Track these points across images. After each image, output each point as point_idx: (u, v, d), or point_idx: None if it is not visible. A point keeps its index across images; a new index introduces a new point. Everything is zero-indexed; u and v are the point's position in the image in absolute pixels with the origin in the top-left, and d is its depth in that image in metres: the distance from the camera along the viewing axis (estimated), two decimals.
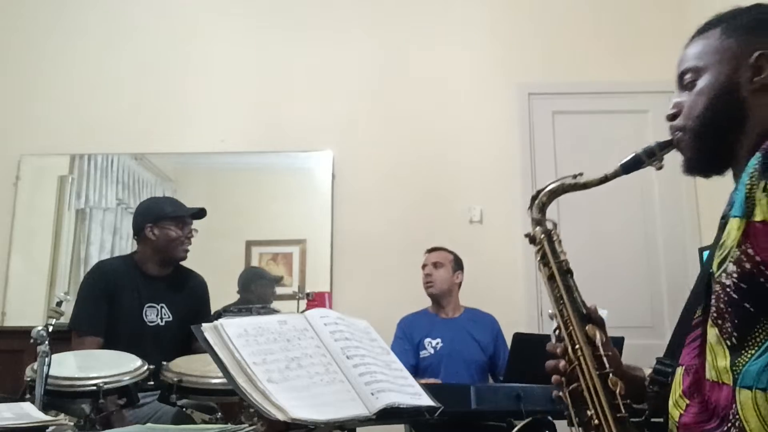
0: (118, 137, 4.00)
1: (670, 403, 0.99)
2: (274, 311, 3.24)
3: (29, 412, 1.50)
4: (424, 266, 3.20)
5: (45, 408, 1.61)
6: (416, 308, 3.20)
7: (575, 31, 4.05)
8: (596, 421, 0.99)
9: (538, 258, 1.17)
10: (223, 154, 4.01)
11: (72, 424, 1.77)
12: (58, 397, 1.79)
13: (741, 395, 0.84)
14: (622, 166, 1.11)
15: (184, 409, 2.03)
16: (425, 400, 1.36)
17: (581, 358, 1.04)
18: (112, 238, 3.94)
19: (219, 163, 4.05)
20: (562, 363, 1.06)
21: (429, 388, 1.42)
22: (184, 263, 2.66)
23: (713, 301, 0.91)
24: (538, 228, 1.18)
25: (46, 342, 1.67)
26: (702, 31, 1.07)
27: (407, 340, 3.07)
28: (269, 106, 4.03)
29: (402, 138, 3.95)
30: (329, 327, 1.40)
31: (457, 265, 3.21)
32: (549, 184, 1.21)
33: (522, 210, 3.81)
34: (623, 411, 0.98)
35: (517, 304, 3.70)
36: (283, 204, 3.95)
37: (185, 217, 2.59)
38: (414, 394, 1.36)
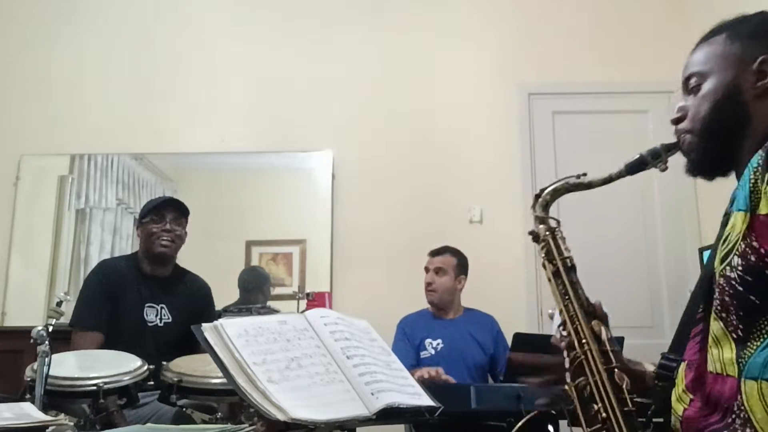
0: (118, 137, 4.00)
1: (674, 397, 1.00)
2: (274, 311, 3.25)
3: (29, 412, 1.50)
4: (426, 270, 3.15)
5: (45, 408, 1.61)
6: (416, 308, 3.19)
7: (575, 32, 4.05)
8: (604, 415, 1.00)
9: (542, 255, 1.18)
10: (223, 154, 4.01)
11: (72, 424, 1.76)
12: (58, 397, 1.78)
13: (746, 386, 0.85)
14: (627, 166, 1.14)
15: (184, 409, 2.02)
16: (425, 400, 1.36)
17: (588, 353, 1.04)
18: (112, 238, 3.94)
19: (219, 163, 4.05)
20: (564, 359, 1.07)
21: (429, 388, 1.42)
22: (186, 265, 2.66)
23: (717, 294, 0.93)
24: (541, 226, 1.19)
25: (46, 342, 1.67)
26: (707, 37, 1.10)
27: (408, 341, 3.05)
28: (269, 106, 4.03)
29: (402, 138, 3.96)
30: (329, 327, 1.40)
31: (461, 269, 3.15)
32: (553, 183, 1.22)
33: (522, 210, 3.81)
34: (630, 405, 0.99)
35: (517, 304, 3.70)
36: (283, 204, 3.95)
37: (158, 208, 2.56)
38: (414, 394, 1.36)
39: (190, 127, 4.02)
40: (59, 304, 1.88)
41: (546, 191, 1.22)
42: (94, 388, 1.79)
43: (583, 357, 1.05)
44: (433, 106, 4.00)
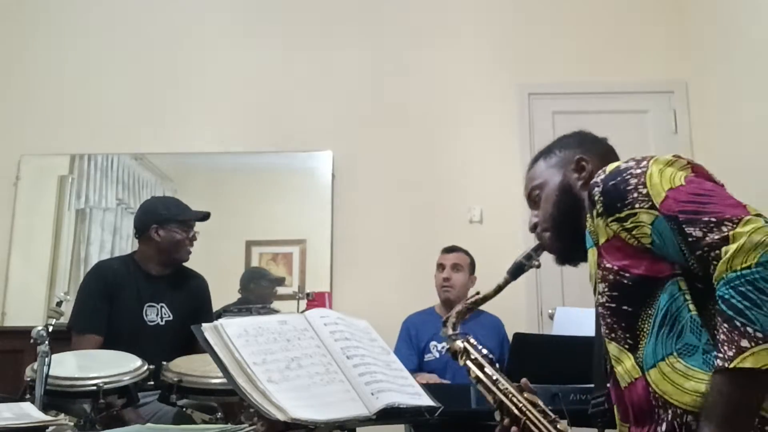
0: (118, 137, 4.00)
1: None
2: (274, 311, 3.25)
3: (29, 412, 1.50)
4: (441, 267, 3.10)
5: (45, 408, 1.61)
6: (416, 308, 3.18)
7: (575, 32, 4.05)
8: None
9: (464, 361, 1.33)
10: (223, 154, 4.01)
11: (72, 424, 1.77)
12: (58, 397, 1.79)
13: (651, 376, 1.03)
14: (509, 272, 1.36)
15: (184, 409, 2.02)
16: (425, 400, 1.36)
17: (528, 413, 1.18)
18: (112, 238, 3.94)
19: (219, 163, 4.05)
20: (514, 429, 1.19)
21: (429, 388, 1.42)
22: (187, 267, 2.66)
23: (601, 322, 1.12)
24: (457, 342, 1.36)
25: (46, 342, 1.67)
26: (534, 160, 1.38)
27: (412, 343, 3.01)
28: (269, 106, 4.03)
29: (402, 138, 3.95)
30: (329, 327, 1.40)
31: (473, 268, 3.15)
32: (455, 309, 1.41)
33: (522, 210, 3.80)
34: None
35: (517, 304, 3.69)
36: (283, 204, 3.95)
37: (192, 220, 2.59)
38: (414, 394, 1.36)
39: (190, 127, 4.02)
40: (59, 304, 1.88)
41: (450, 316, 1.40)
42: (94, 388, 1.79)
43: (525, 419, 1.18)
44: (432, 106, 4.00)
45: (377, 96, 4.02)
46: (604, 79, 3.95)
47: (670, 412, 0.99)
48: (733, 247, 0.92)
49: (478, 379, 1.27)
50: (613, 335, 1.09)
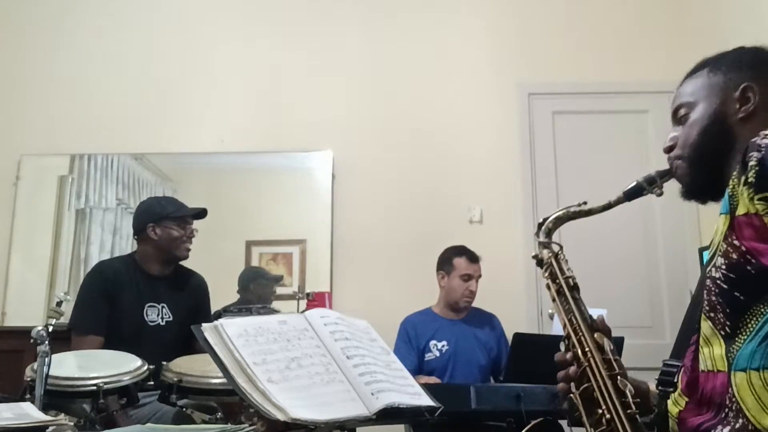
0: (118, 137, 4.00)
1: (670, 401, 1.04)
2: (274, 311, 3.24)
3: (29, 412, 1.50)
4: (466, 277, 3.06)
5: (45, 408, 1.61)
6: (416, 308, 3.19)
7: (575, 31, 4.05)
8: (608, 416, 1.02)
9: (546, 276, 1.24)
10: (223, 154, 4.01)
11: (72, 424, 1.76)
12: (58, 397, 1.79)
13: (736, 378, 0.90)
14: (625, 193, 1.22)
15: (184, 409, 2.02)
16: (425, 400, 1.36)
17: (591, 360, 1.08)
18: (112, 238, 3.94)
19: (219, 163, 4.05)
20: (572, 369, 1.11)
21: (429, 388, 1.42)
22: (184, 263, 2.67)
23: (705, 295, 0.98)
24: (545, 251, 1.26)
25: (46, 342, 1.67)
26: (692, 72, 1.20)
27: (411, 343, 3.03)
28: (269, 106, 4.03)
29: (402, 138, 3.96)
30: (329, 327, 1.40)
31: None
32: (555, 212, 1.31)
33: (522, 210, 3.82)
34: (634, 408, 1.01)
35: (517, 304, 3.70)
36: (283, 204, 3.95)
37: (187, 217, 2.60)
38: (414, 394, 1.36)
39: (190, 127, 4.02)
40: (59, 304, 1.88)
41: (549, 219, 1.30)
42: (94, 388, 1.79)
43: (587, 365, 1.08)
44: (433, 106, 4.00)
45: (377, 96, 4.02)
46: (604, 79, 3.95)
47: (740, 421, 0.89)
48: None
49: (555, 303, 1.20)
50: (712, 314, 0.96)
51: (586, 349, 1.10)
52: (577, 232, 3.76)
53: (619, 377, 1.05)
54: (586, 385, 1.07)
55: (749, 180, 0.90)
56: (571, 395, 1.08)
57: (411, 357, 2.97)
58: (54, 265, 3.87)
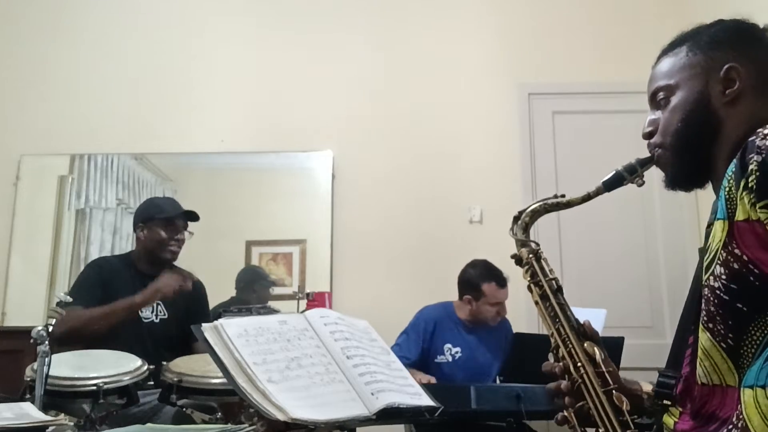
0: (118, 137, 4.00)
1: (666, 415, 1.00)
2: (274, 311, 3.24)
3: (29, 412, 1.50)
4: (494, 302, 2.95)
5: (45, 408, 1.61)
6: (416, 308, 3.15)
7: (575, 31, 4.05)
8: None
9: (528, 278, 1.18)
10: (223, 154, 4.01)
11: (72, 424, 1.77)
12: (58, 397, 1.79)
13: (744, 395, 0.85)
14: (604, 183, 1.13)
15: (184, 409, 2.02)
16: (425, 400, 1.36)
17: (585, 375, 1.04)
18: (112, 238, 3.94)
19: (219, 163, 4.04)
20: (564, 383, 1.06)
21: (429, 388, 1.42)
22: (180, 264, 2.67)
23: (703, 305, 0.92)
24: (523, 249, 1.20)
25: (46, 342, 1.67)
26: (668, 50, 1.09)
27: (423, 337, 2.95)
28: (269, 106, 4.03)
29: (402, 138, 3.95)
30: (329, 327, 1.40)
31: None
32: (531, 204, 1.22)
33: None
34: (632, 427, 0.98)
35: (517, 304, 3.68)
36: (283, 204, 3.95)
37: (174, 219, 2.59)
38: (414, 394, 1.36)
39: (190, 127, 4.02)
40: (59, 304, 1.88)
41: (525, 213, 1.22)
42: (94, 388, 1.79)
43: (580, 381, 1.04)
44: (433, 106, 4.00)
45: (377, 96, 4.02)
46: (604, 79, 3.95)
47: None
48: None
49: (538, 306, 1.13)
50: (710, 325, 0.90)
51: (579, 363, 1.05)
52: (577, 232, 3.79)
53: (614, 392, 1.01)
54: (581, 404, 1.03)
55: (750, 185, 0.84)
56: (566, 414, 1.05)
57: (416, 348, 2.91)
58: (54, 265, 3.87)
